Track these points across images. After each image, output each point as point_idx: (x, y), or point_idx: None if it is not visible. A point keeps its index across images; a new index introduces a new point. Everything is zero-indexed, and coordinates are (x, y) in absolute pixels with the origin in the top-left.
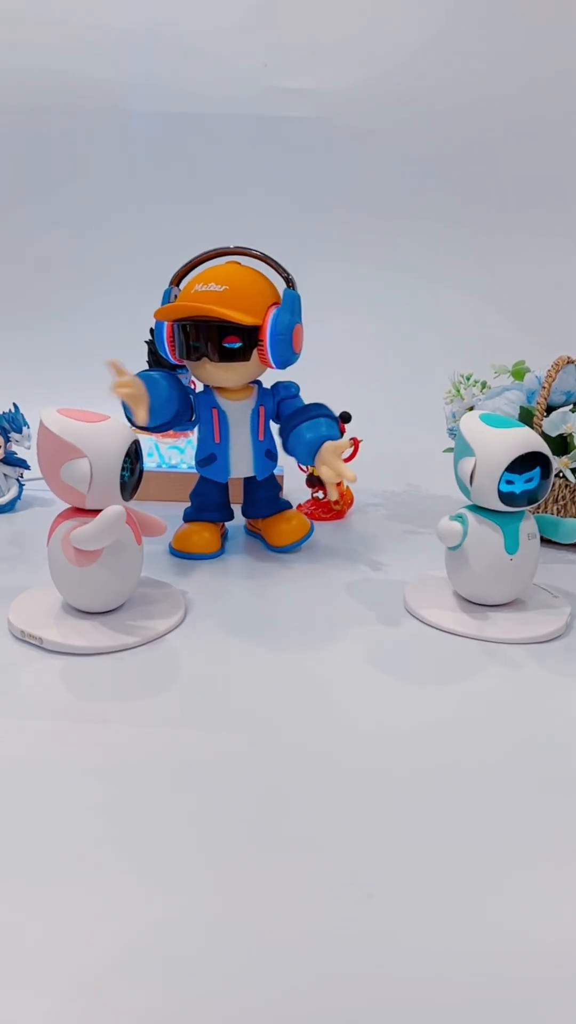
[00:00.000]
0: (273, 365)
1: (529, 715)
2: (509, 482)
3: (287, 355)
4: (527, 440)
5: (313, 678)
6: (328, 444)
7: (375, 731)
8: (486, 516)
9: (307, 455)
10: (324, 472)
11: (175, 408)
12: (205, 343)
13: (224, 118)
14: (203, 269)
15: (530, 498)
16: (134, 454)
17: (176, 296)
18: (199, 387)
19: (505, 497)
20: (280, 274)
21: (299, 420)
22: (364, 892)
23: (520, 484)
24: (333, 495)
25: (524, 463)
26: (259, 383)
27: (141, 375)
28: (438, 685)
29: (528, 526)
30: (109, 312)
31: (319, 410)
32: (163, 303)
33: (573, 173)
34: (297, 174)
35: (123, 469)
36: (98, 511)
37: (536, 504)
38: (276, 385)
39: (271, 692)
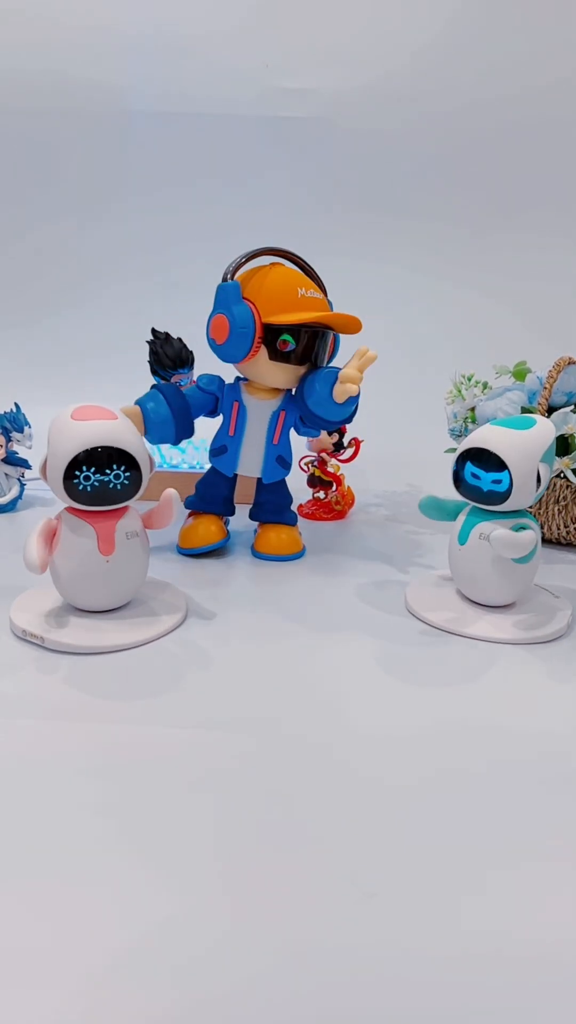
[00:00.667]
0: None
1: (530, 715)
2: (475, 476)
3: (331, 360)
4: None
5: (315, 678)
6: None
7: (376, 731)
8: (491, 517)
9: (324, 386)
10: (347, 373)
11: (172, 429)
12: (311, 349)
13: (225, 118)
14: (257, 268)
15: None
16: (92, 463)
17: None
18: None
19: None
20: (318, 283)
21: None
22: (366, 892)
23: (487, 483)
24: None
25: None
26: (290, 392)
27: (148, 396)
28: (439, 685)
29: (487, 527)
30: (110, 312)
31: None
32: (230, 299)
33: (574, 173)
34: (298, 174)
35: (76, 477)
36: (88, 511)
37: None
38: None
39: (272, 692)
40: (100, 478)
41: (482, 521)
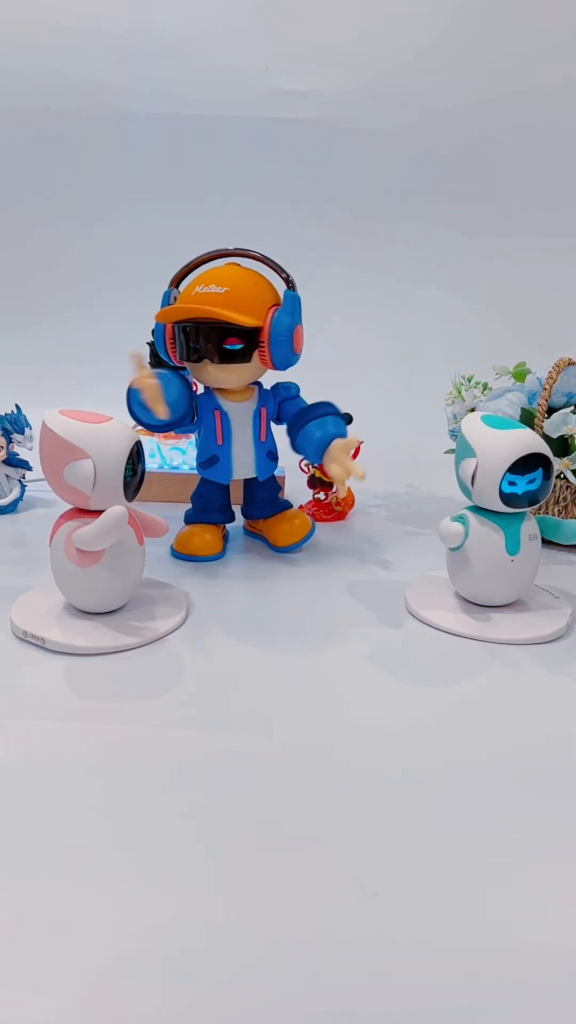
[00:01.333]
0: (274, 366)
1: (530, 716)
2: (511, 483)
3: (288, 356)
4: (528, 441)
5: (314, 678)
6: (337, 442)
7: (376, 731)
8: (487, 517)
9: (316, 453)
10: (334, 470)
11: (184, 408)
12: (206, 345)
13: (226, 120)
14: (203, 271)
15: (531, 499)
16: (136, 455)
17: (175, 298)
18: (199, 389)
19: (507, 498)
20: (280, 275)
21: (306, 419)
22: (366, 892)
23: (522, 485)
24: (343, 492)
25: (526, 464)
26: (260, 384)
27: (157, 373)
28: (439, 686)
29: (529, 527)
30: (111, 313)
31: (326, 408)
32: (163, 305)
33: (575, 175)
34: (298, 176)
35: (126, 469)
36: (101, 512)
37: (537, 505)
38: (276, 386)
39: (273, 692)
40: (135, 472)
41: (521, 524)
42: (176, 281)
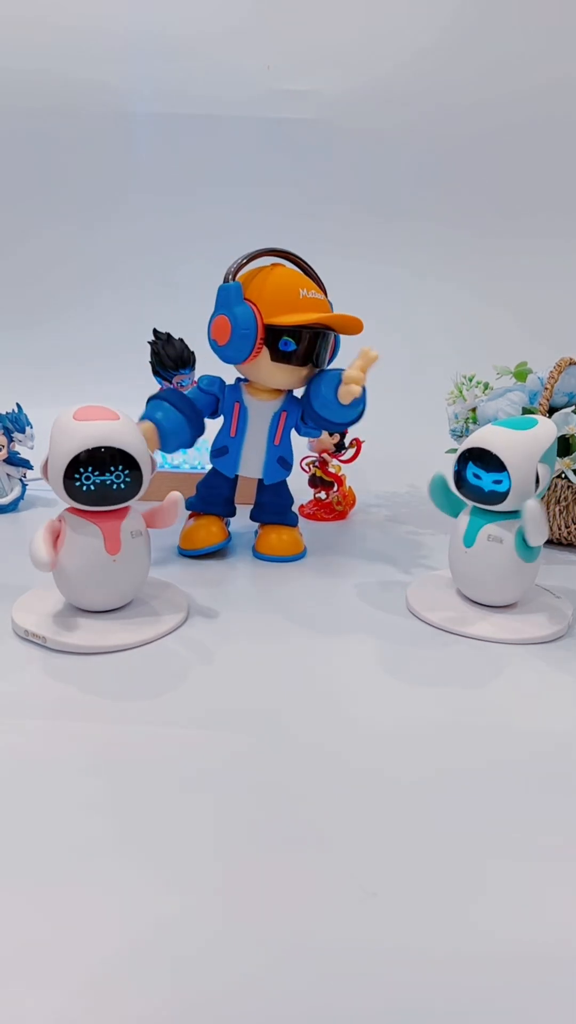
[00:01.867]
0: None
1: (531, 716)
2: (476, 476)
3: (332, 360)
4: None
5: (316, 678)
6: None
7: (377, 731)
8: (475, 508)
9: (331, 390)
10: (351, 373)
11: (187, 433)
12: (307, 348)
13: (226, 120)
14: (259, 269)
15: (493, 500)
16: (92, 464)
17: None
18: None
19: (467, 488)
20: (319, 284)
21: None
22: (367, 892)
23: (488, 483)
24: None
25: (488, 462)
26: (290, 392)
27: (152, 407)
28: (440, 686)
29: (493, 529)
30: (112, 313)
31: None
32: (228, 300)
33: (574, 174)
34: (299, 176)
35: (76, 477)
36: (92, 512)
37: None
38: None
39: (274, 692)
40: (100, 478)
41: (488, 523)
42: (234, 275)
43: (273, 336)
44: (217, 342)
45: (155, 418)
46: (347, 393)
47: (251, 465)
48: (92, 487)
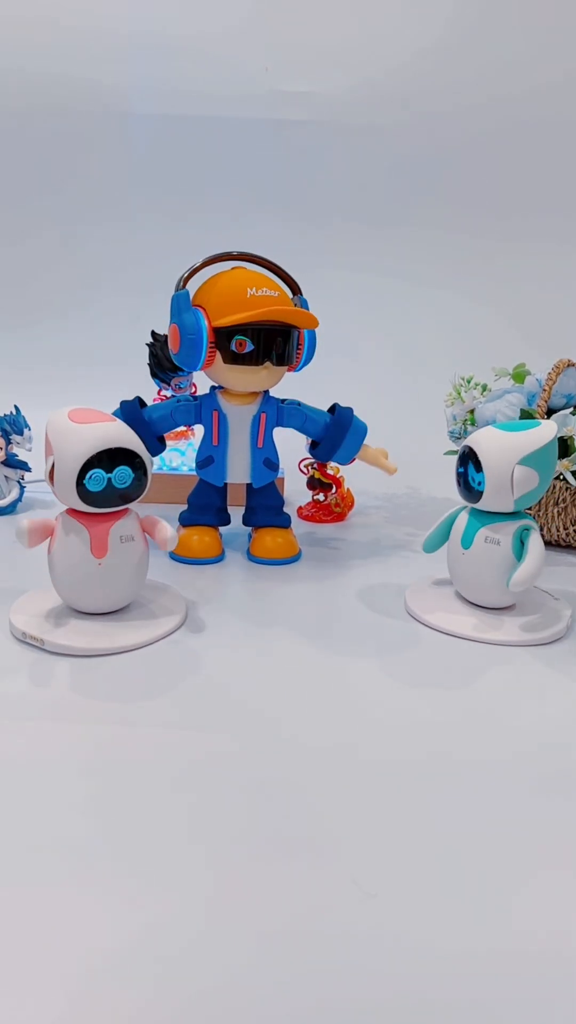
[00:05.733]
0: (297, 368)
1: (530, 717)
2: (471, 476)
3: (310, 358)
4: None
5: (314, 680)
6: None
7: (376, 733)
8: (483, 512)
9: (350, 453)
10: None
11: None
12: (270, 348)
13: (225, 121)
14: (216, 273)
15: (474, 497)
16: (106, 464)
17: (192, 300)
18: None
19: (463, 487)
20: (287, 281)
21: (328, 434)
22: (366, 892)
23: (475, 483)
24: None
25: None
26: (266, 391)
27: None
28: (439, 687)
29: (489, 531)
30: (110, 315)
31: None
32: (179, 307)
33: (574, 176)
34: (298, 177)
35: (89, 478)
36: (84, 513)
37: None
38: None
39: (272, 694)
40: (111, 479)
41: (485, 525)
42: (184, 283)
43: (225, 338)
44: (173, 351)
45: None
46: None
47: (238, 471)
48: (103, 489)
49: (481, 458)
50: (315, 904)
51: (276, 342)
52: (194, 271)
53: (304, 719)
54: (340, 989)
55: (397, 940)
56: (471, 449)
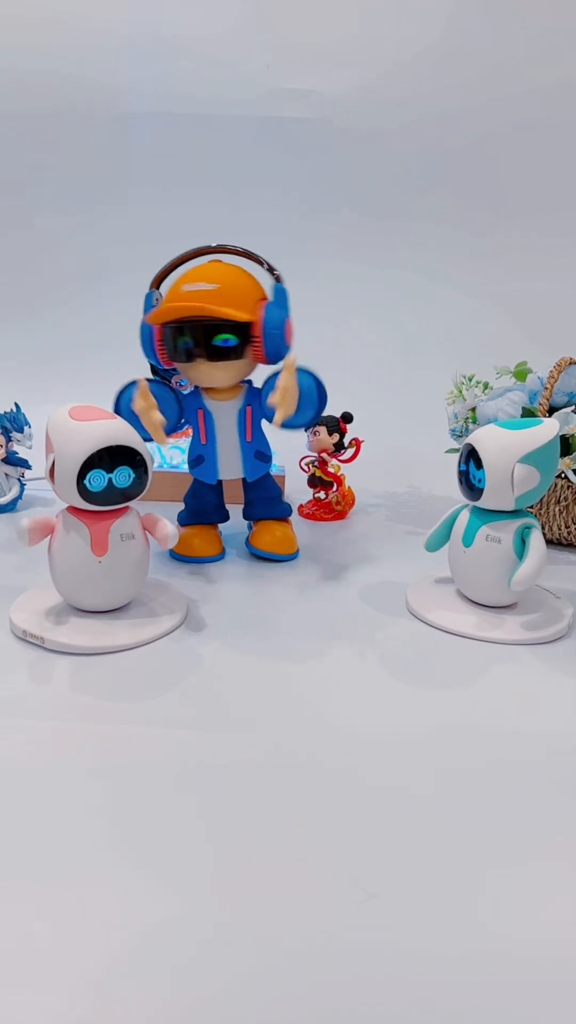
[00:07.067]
0: (267, 360)
1: (532, 716)
2: (472, 473)
3: (280, 349)
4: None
5: (314, 679)
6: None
7: (377, 732)
8: (485, 511)
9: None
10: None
11: (172, 422)
12: (198, 343)
13: (226, 119)
14: (184, 270)
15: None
16: (106, 463)
17: (159, 300)
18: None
19: (464, 485)
20: (264, 267)
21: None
22: (367, 893)
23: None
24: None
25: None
26: (249, 383)
27: (157, 396)
28: (440, 687)
29: (490, 530)
30: (110, 312)
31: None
32: (146, 309)
33: (574, 174)
34: (299, 175)
35: (89, 477)
36: (84, 511)
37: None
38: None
39: (272, 693)
40: (112, 477)
41: (486, 523)
42: (157, 282)
43: (170, 336)
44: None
45: (161, 397)
46: (273, 402)
47: (230, 467)
48: (104, 487)
49: (482, 456)
50: (316, 905)
51: (206, 336)
52: (168, 269)
53: (306, 718)
54: (342, 990)
55: (397, 941)
56: (472, 447)
